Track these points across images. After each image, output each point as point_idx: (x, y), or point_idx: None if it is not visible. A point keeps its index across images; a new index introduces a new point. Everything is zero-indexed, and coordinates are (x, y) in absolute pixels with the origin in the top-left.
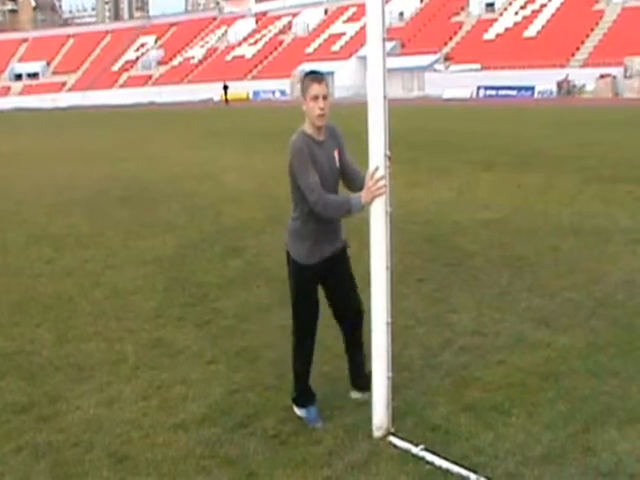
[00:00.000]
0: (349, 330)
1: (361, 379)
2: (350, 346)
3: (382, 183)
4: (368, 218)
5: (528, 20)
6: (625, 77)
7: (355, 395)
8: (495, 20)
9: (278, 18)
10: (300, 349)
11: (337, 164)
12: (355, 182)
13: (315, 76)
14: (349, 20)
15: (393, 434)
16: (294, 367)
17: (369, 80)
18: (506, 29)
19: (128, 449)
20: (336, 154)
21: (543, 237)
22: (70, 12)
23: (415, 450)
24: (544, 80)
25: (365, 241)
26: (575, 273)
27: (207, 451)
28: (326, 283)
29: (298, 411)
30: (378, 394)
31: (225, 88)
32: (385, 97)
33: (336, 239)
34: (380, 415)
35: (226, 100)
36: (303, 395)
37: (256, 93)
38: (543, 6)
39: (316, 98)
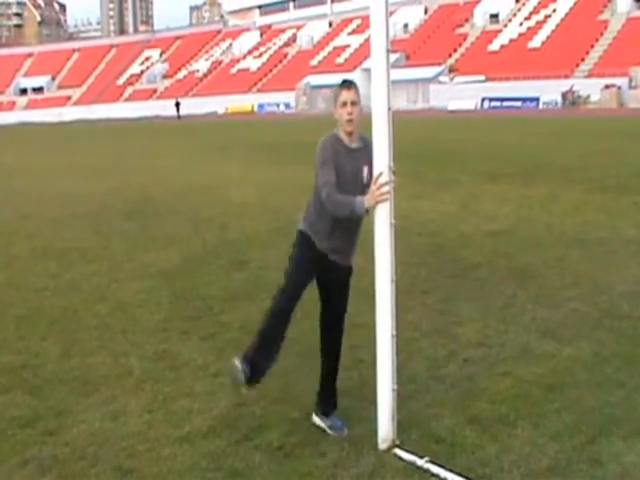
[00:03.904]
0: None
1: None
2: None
3: (386, 189)
4: (372, 230)
5: (532, 31)
6: (630, 87)
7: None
8: (499, 31)
9: (282, 31)
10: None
11: (364, 178)
12: None
13: (344, 84)
14: (353, 32)
15: (398, 446)
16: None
17: (373, 92)
18: (510, 40)
19: (133, 462)
20: (365, 169)
21: (548, 248)
22: (75, 26)
23: (420, 462)
24: (549, 91)
25: (370, 254)
26: (580, 284)
27: (212, 464)
28: (325, 288)
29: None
30: (383, 406)
31: (177, 104)
32: (389, 109)
33: (343, 254)
34: (385, 427)
35: (178, 116)
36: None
37: (261, 106)
38: (547, 17)
39: (344, 104)
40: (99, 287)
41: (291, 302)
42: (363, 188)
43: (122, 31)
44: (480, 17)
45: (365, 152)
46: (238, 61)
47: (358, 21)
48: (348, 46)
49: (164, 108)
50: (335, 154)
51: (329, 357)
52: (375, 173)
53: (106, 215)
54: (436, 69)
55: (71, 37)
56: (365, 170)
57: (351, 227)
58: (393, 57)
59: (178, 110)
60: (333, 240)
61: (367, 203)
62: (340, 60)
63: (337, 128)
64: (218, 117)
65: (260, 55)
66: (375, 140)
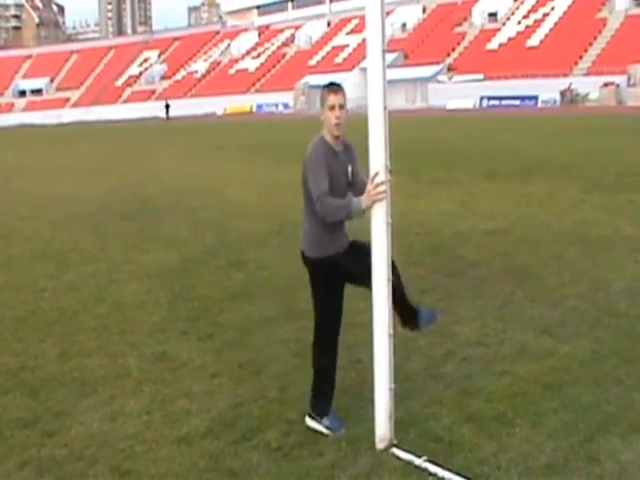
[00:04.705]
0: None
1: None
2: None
3: (382, 188)
4: (369, 230)
5: (531, 29)
6: (628, 85)
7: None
8: (498, 30)
9: (281, 31)
10: (320, 360)
11: (350, 177)
12: (360, 192)
13: (332, 87)
14: (352, 32)
15: (396, 446)
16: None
17: (369, 92)
18: (509, 39)
19: (131, 463)
20: (349, 169)
21: (546, 246)
22: (73, 28)
23: (418, 461)
24: (547, 89)
25: None
26: (578, 282)
27: (210, 464)
28: (345, 266)
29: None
30: (380, 406)
31: (167, 106)
32: (385, 109)
33: (341, 241)
34: (383, 427)
35: (167, 118)
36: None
37: (259, 106)
38: (546, 15)
39: (332, 108)
40: (98, 288)
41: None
42: (348, 186)
43: (120, 32)
44: (478, 16)
45: (348, 155)
46: (236, 61)
47: (356, 21)
48: (346, 46)
49: (163, 109)
50: (327, 161)
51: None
52: (372, 173)
53: (104, 216)
54: (434, 68)
55: (69, 39)
56: (349, 170)
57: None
58: (391, 56)
59: (167, 112)
60: (337, 233)
61: (364, 203)
62: (338, 60)
63: (324, 130)
64: (217, 118)
65: (258, 55)
66: (371, 139)
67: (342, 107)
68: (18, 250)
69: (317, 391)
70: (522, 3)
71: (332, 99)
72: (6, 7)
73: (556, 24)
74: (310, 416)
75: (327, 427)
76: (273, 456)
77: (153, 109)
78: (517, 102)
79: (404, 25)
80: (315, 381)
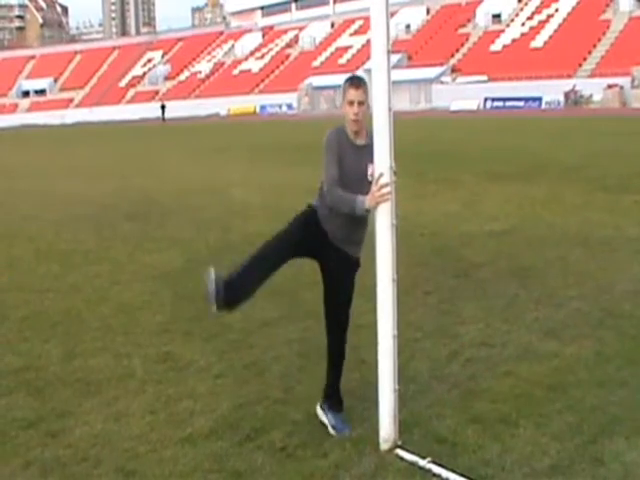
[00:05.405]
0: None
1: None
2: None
3: (386, 190)
4: (374, 230)
5: (535, 31)
6: (632, 87)
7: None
8: (502, 31)
9: (285, 32)
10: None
11: (370, 177)
12: None
13: (353, 81)
14: (355, 33)
15: (400, 447)
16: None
17: (374, 93)
18: (513, 40)
19: (136, 464)
20: (371, 167)
21: (550, 247)
22: (77, 28)
23: (422, 463)
24: (551, 91)
25: (372, 254)
26: (583, 283)
27: (215, 465)
28: (325, 274)
29: None
30: (385, 407)
31: (162, 107)
32: (390, 109)
33: (345, 241)
34: (387, 428)
35: (163, 119)
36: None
37: (263, 107)
38: (550, 16)
39: (351, 103)
40: (102, 289)
41: (271, 259)
42: (369, 186)
43: (124, 33)
44: (482, 17)
45: (372, 149)
46: (240, 62)
47: (360, 22)
48: (350, 47)
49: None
50: (339, 148)
51: (331, 347)
52: (376, 174)
53: (108, 217)
54: (438, 69)
55: (73, 39)
56: (371, 168)
57: (354, 217)
58: (395, 58)
59: (163, 113)
60: (333, 225)
61: (368, 204)
62: (342, 61)
63: (345, 122)
64: (220, 118)
65: (262, 56)
66: (376, 141)
67: (361, 103)
68: (22, 250)
69: None
70: (526, 4)
71: (352, 94)
72: (10, 7)
73: (560, 25)
74: (321, 407)
75: (333, 427)
76: (277, 456)
77: (157, 110)
78: (521, 103)
79: (408, 26)
80: None
